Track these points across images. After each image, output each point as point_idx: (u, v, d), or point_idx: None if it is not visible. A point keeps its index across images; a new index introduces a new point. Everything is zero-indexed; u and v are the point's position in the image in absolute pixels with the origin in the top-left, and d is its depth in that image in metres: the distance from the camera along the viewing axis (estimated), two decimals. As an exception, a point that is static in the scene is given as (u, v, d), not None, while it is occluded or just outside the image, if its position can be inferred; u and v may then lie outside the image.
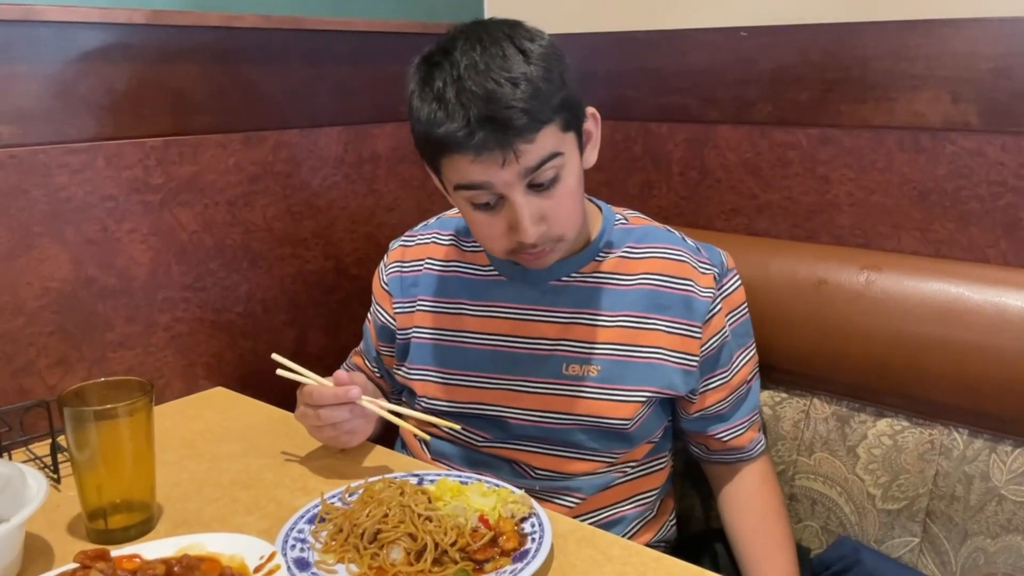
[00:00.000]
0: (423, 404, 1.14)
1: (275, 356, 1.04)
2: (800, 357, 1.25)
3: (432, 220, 1.22)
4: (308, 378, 1.04)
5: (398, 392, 1.26)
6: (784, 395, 1.30)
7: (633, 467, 1.14)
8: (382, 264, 1.22)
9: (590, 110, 1.03)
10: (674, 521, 1.25)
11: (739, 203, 1.41)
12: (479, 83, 0.90)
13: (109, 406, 0.90)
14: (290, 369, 1.04)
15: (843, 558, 1.19)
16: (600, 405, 1.07)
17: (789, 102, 1.34)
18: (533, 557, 0.84)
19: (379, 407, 1.04)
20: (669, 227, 1.15)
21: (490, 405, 1.10)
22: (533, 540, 0.88)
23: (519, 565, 0.83)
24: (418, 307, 1.16)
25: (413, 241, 1.20)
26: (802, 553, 1.17)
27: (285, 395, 1.31)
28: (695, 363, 1.08)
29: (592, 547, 0.90)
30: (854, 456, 1.22)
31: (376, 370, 1.26)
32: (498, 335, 1.11)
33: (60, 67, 1.13)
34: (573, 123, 0.97)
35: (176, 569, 0.78)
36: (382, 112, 1.53)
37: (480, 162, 0.91)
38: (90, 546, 0.89)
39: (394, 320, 1.18)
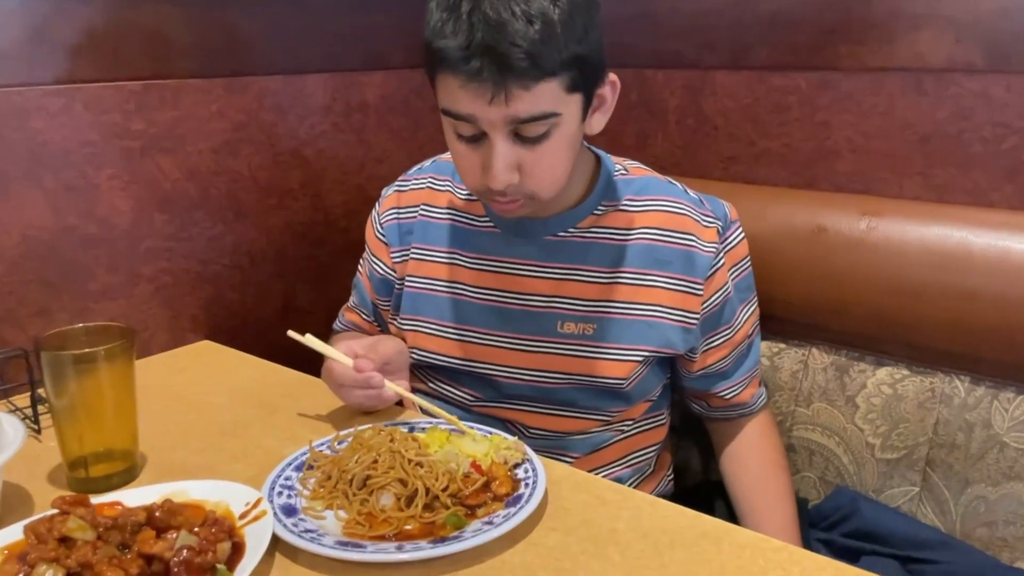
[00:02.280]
0: (414, 356, 1.11)
1: (290, 333, 1.01)
2: (799, 306, 1.23)
3: (427, 163, 1.17)
4: (324, 351, 1.01)
5: None
6: (782, 345, 1.28)
7: (630, 425, 1.12)
8: (375, 213, 1.18)
9: (611, 76, 0.97)
10: (671, 476, 1.23)
11: (737, 151, 1.38)
12: (495, 8, 0.84)
13: (88, 350, 0.87)
14: (304, 343, 1.02)
15: (840, 508, 1.18)
16: (595, 364, 1.04)
17: (787, 45, 1.30)
18: (526, 502, 0.82)
19: (405, 394, 1.00)
20: (671, 179, 1.10)
21: (481, 363, 1.08)
22: (527, 485, 0.86)
23: (512, 510, 0.81)
24: (412, 255, 1.12)
25: (407, 186, 1.16)
26: (799, 504, 1.16)
27: (273, 349, 1.29)
28: (695, 321, 1.05)
29: (587, 492, 0.88)
30: (853, 406, 1.20)
31: (376, 324, 1.22)
32: (491, 289, 1.07)
33: (35, 6, 1.08)
34: (582, 84, 0.91)
35: (158, 515, 0.75)
36: (371, 60, 1.48)
37: (469, 91, 0.87)
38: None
39: (393, 271, 1.14)
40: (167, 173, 1.25)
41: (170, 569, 0.71)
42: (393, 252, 1.14)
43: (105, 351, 0.87)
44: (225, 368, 1.23)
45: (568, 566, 0.76)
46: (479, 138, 0.92)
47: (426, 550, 0.76)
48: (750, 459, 1.16)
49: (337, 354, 0.99)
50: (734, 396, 1.14)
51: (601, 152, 1.10)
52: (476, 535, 0.77)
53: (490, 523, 0.80)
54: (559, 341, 1.05)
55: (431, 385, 1.13)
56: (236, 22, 1.29)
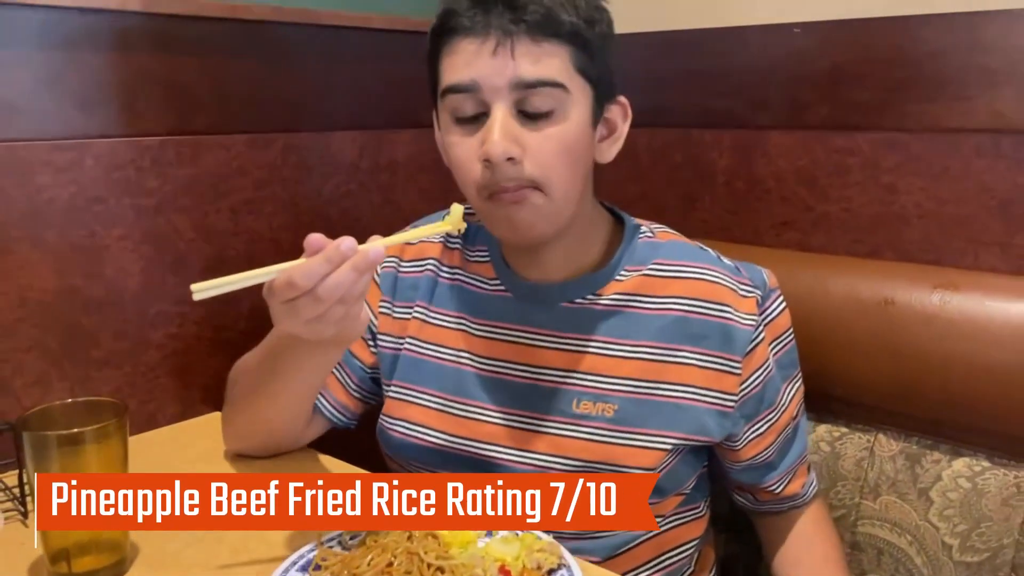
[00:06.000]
0: (400, 432, 0.98)
1: (194, 287, 0.74)
2: (864, 387, 1.11)
3: (437, 217, 1.07)
4: (251, 279, 0.73)
5: (356, 417, 1.07)
6: (845, 429, 1.15)
7: (660, 521, 0.98)
8: None
9: (622, 99, 0.92)
10: (716, 577, 1.10)
11: (792, 216, 1.28)
12: None
13: (75, 430, 0.78)
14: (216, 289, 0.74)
15: (914, 617, 1.05)
16: (617, 451, 0.91)
17: (848, 103, 1.21)
18: (564, 619, 0.71)
19: (390, 241, 0.79)
20: (701, 244, 1.00)
21: (484, 443, 0.95)
22: (564, 597, 0.74)
23: (547, 628, 0.70)
24: (415, 314, 1.01)
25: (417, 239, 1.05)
26: (869, 610, 1.03)
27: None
28: (732, 403, 0.93)
29: (632, 606, 0.76)
30: (927, 500, 1.08)
31: (353, 377, 1.06)
32: (501, 361, 0.96)
33: (45, 55, 1.03)
34: (592, 73, 0.86)
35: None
36: (401, 117, 1.42)
37: (473, 44, 0.82)
38: (48, 593, 0.78)
39: (376, 320, 1.02)
40: (182, 233, 1.17)
41: None
42: (383, 301, 1.02)
43: (94, 431, 0.78)
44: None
45: None
46: (479, 120, 0.85)
47: None
48: (805, 558, 1.04)
49: (274, 268, 0.73)
50: (783, 488, 1.01)
51: (623, 213, 1.00)
52: (504, 661, 0.66)
53: (521, 645, 0.69)
54: (575, 422, 0.93)
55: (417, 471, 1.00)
56: (260, 76, 1.23)
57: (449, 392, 0.97)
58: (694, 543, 1.03)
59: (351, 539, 0.84)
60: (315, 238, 0.74)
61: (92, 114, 1.07)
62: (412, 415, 0.98)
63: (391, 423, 1.00)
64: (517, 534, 0.83)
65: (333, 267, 0.73)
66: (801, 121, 1.26)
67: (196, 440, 1.15)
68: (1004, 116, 1.09)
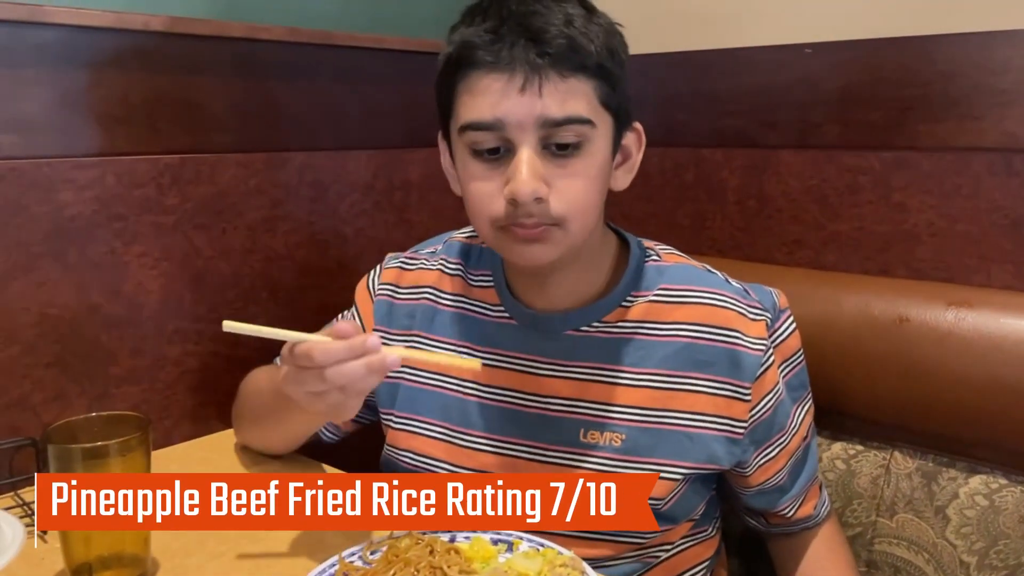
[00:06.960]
0: (406, 462, 0.98)
1: (226, 322, 0.78)
2: (879, 404, 1.11)
3: (440, 245, 1.05)
4: (278, 336, 0.78)
5: (342, 435, 1.09)
6: (860, 447, 1.16)
7: (668, 549, 0.97)
8: (374, 274, 1.06)
9: (637, 125, 0.91)
10: (729, 599, 1.09)
11: (803, 234, 1.29)
12: (525, 3, 0.81)
13: (100, 443, 0.78)
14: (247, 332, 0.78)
15: (932, 635, 1.04)
16: None
17: (859, 123, 1.22)
18: (588, 633, 0.71)
19: (415, 354, 0.85)
20: (708, 266, 0.98)
21: (492, 473, 0.93)
22: (586, 612, 0.74)
23: (571, 642, 0.70)
24: (414, 344, 1.00)
25: (414, 265, 1.03)
26: (885, 629, 1.03)
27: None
28: (742, 430, 0.91)
29: (655, 621, 0.77)
30: (943, 518, 1.07)
31: None
32: (506, 390, 0.94)
33: (69, 74, 1.04)
34: (613, 103, 0.84)
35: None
36: (415, 137, 1.43)
37: (498, 82, 0.79)
38: (71, 607, 0.78)
39: None
40: (200, 250, 1.18)
41: None
42: (377, 330, 1.01)
43: (118, 444, 0.79)
44: (252, 461, 1.13)
45: None
46: (502, 156, 0.82)
47: None
48: None
49: (303, 335, 0.77)
50: (795, 512, 1.00)
51: (628, 234, 0.98)
52: (530, 674, 0.66)
53: (546, 658, 0.69)
54: (582, 452, 0.91)
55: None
56: (278, 96, 1.25)
57: (454, 422, 0.96)
58: (706, 563, 1.03)
59: (372, 554, 0.84)
60: (345, 326, 0.76)
61: (114, 132, 1.08)
62: (417, 446, 0.97)
63: (397, 454, 0.99)
64: (539, 549, 0.84)
65: (351, 357, 0.75)
66: (812, 140, 1.27)
67: (212, 457, 1.15)
68: (1015, 135, 1.10)
